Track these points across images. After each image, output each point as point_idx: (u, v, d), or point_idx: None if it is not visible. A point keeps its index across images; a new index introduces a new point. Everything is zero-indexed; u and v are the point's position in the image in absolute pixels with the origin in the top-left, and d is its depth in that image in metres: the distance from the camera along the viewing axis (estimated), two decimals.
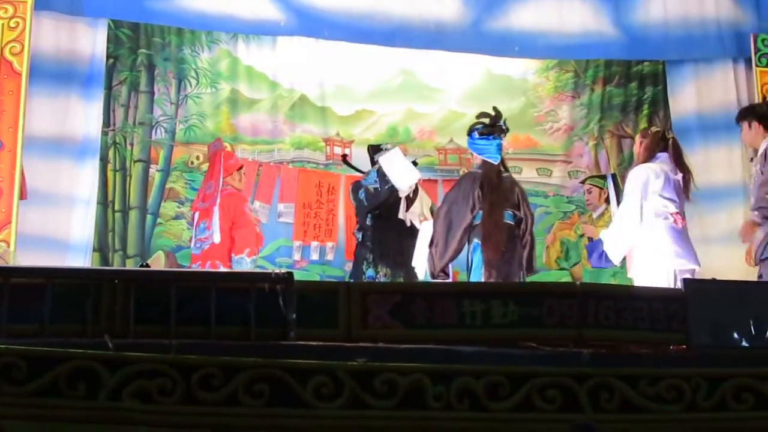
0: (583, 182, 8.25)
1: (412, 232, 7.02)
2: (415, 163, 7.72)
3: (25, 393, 2.49)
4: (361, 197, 7.20)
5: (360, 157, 7.89)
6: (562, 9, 8.61)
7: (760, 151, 6.37)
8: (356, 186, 7.30)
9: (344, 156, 8.17)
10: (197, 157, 8.19)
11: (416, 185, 7.21)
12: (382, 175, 7.03)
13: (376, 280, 6.90)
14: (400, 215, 7.07)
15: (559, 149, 9.16)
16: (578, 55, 8.92)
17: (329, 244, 8.50)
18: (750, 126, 6.42)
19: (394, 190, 6.96)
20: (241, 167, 7.12)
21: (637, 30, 8.66)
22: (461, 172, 8.89)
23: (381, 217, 7.10)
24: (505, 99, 9.11)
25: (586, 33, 8.60)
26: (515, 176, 8.95)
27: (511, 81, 9.20)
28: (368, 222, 7.13)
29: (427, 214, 7.08)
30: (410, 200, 7.10)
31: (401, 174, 6.95)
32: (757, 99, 8.32)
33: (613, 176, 7.90)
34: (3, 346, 2.55)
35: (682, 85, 8.91)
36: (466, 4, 8.50)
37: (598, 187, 7.88)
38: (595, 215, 7.82)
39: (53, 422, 2.50)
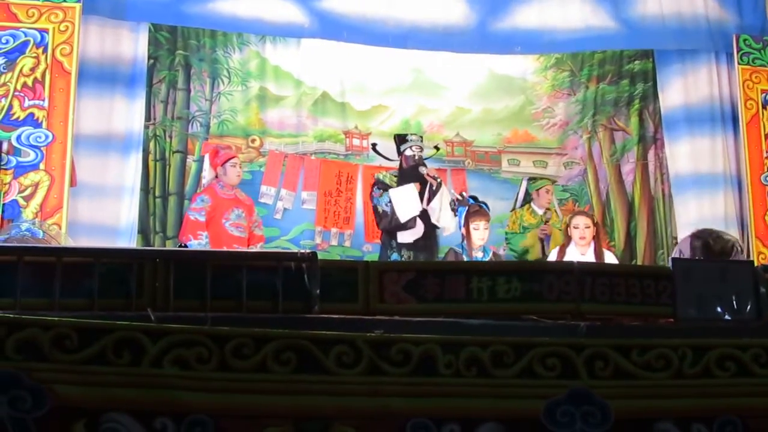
0: (531, 180, 8.20)
1: (431, 222, 7.03)
2: (437, 148, 7.80)
3: (75, 360, 2.49)
4: (374, 203, 7.28)
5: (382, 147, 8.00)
6: (564, 6, 8.56)
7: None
8: (372, 190, 7.32)
9: (374, 145, 8.14)
10: (229, 149, 8.19)
11: (440, 181, 7.18)
12: (392, 203, 7.08)
13: None
14: (423, 205, 7.05)
15: (554, 143, 9.18)
16: (579, 48, 8.87)
17: (347, 232, 8.56)
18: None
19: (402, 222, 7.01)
20: (229, 159, 7.01)
21: (634, 23, 8.61)
22: (466, 163, 8.92)
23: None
24: (506, 97, 9.16)
25: (587, 27, 8.55)
26: (514, 168, 9.04)
27: (512, 80, 9.21)
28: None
29: (446, 208, 7.02)
30: (432, 193, 7.06)
31: (405, 210, 7.00)
32: (739, 94, 8.30)
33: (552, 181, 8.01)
34: (56, 318, 2.55)
35: (670, 80, 8.88)
36: (471, 8, 8.48)
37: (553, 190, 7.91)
38: (540, 212, 7.75)
39: (101, 386, 2.50)
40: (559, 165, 9.11)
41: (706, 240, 6.03)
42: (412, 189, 7.02)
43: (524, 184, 8.02)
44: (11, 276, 2.77)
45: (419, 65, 8.96)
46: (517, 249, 7.78)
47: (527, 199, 7.87)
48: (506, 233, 7.95)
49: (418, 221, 6.98)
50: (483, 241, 6.44)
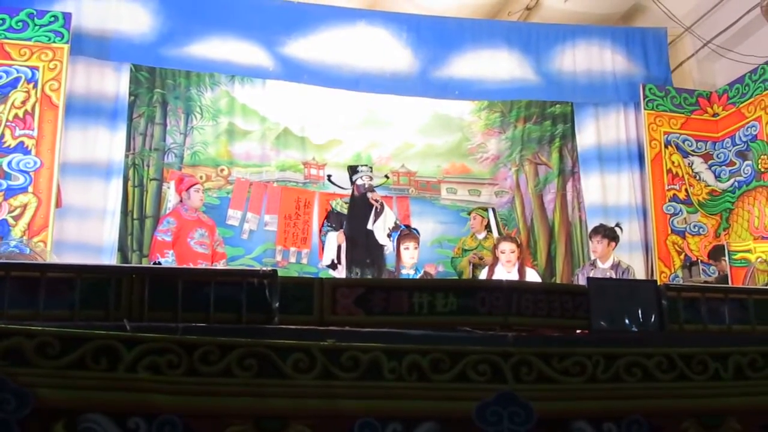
0: (469, 213, 8.30)
1: (377, 241, 7.05)
2: (387, 177, 7.86)
3: (57, 366, 2.43)
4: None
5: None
6: (493, 60, 8.66)
7: (612, 263, 6.48)
8: (322, 225, 7.63)
9: (329, 176, 8.23)
10: (201, 177, 8.13)
11: (382, 203, 7.21)
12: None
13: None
14: (369, 226, 7.09)
15: (487, 174, 9.25)
16: (506, 96, 8.98)
17: (305, 251, 8.52)
18: (608, 244, 6.51)
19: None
20: (193, 185, 6.97)
21: (552, 77, 8.74)
22: (410, 191, 8.95)
23: (352, 230, 7.14)
24: (446, 133, 9.23)
25: (512, 79, 8.67)
26: (452, 196, 9.10)
27: (451, 119, 9.27)
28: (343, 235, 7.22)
29: (388, 228, 7.06)
30: (377, 214, 7.11)
31: (326, 256, 7.28)
32: (645, 135, 8.46)
33: (493, 209, 8.10)
34: (40, 328, 2.49)
35: (586, 123, 9.03)
36: (415, 57, 8.53)
37: (481, 216, 7.96)
38: (479, 237, 7.86)
39: (80, 390, 2.44)
40: (491, 194, 9.18)
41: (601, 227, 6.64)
42: (333, 239, 7.17)
43: (491, 212, 8.14)
44: None
45: (370, 105, 8.98)
46: (457, 270, 7.84)
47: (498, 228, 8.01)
48: (452, 257, 8.04)
49: (339, 267, 7.12)
50: (413, 260, 6.39)
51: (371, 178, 7.40)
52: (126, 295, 2.78)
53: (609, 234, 6.60)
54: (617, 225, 6.83)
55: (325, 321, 2.89)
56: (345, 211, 7.32)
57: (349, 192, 7.46)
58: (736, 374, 2.94)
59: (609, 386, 2.81)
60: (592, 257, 6.90)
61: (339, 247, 7.13)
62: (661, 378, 2.86)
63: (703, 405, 2.88)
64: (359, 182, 7.30)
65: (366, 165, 7.69)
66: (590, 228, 7.32)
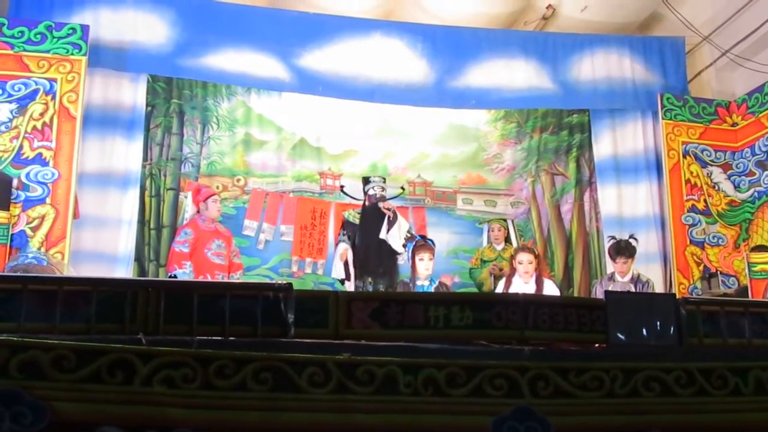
0: (489, 221, 8.25)
1: (390, 250, 7.04)
2: (402, 189, 7.86)
3: (73, 380, 2.44)
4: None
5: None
6: (510, 69, 8.64)
7: (631, 276, 6.40)
8: (339, 235, 7.54)
9: (342, 187, 8.24)
10: (217, 187, 8.15)
11: (395, 212, 7.21)
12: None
13: (363, 289, 6.89)
14: (381, 235, 7.07)
15: (502, 185, 9.22)
16: (523, 105, 8.95)
17: (320, 261, 8.51)
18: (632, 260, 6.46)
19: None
20: (210, 196, 6.97)
21: (570, 86, 8.70)
22: (426, 201, 8.93)
23: (364, 240, 7.13)
24: (462, 144, 9.20)
25: (530, 88, 8.65)
26: (468, 206, 9.07)
27: (467, 129, 9.25)
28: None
29: (403, 235, 7.05)
30: (391, 223, 7.10)
31: (335, 269, 7.29)
32: (663, 145, 8.40)
33: (512, 220, 8.06)
34: (56, 341, 2.50)
35: (603, 133, 8.98)
36: (431, 67, 8.53)
37: (503, 227, 7.93)
38: (498, 248, 7.82)
39: (95, 403, 2.45)
40: (506, 204, 9.14)
41: (618, 242, 6.51)
42: (342, 250, 7.18)
43: (487, 225, 8.13)
44: (17, 302, 2.71)
45: (386, 115, 8.97)
46: (477, 281, 7.81)
47: (490, 238, 7.98)
48: (470, 268, 7.99)
49: (348, 284, 7.10)
50: (428, 272, 6.31)
51: (383, 189, 7.41)
52: (142, 309, 2.79)
53: (633, 253, 6.52)
54: (632, 236, 6.76)
55: (341, 334, 2.89)
56: (357, 222, 7.33)
57: (362, 203, 7.48)
58: (756, 389, 2.91)
59: (627, 401, 2.79)
60: (610, 270, 6.83)
61: (346, 263, 7.13)
62: (679, 393, 2.84)
63: (722, 420, 2.85)
64: (371, 192, 7.33)
65: (379, 176, 7.70)
66: (606, 241, 7.23)
